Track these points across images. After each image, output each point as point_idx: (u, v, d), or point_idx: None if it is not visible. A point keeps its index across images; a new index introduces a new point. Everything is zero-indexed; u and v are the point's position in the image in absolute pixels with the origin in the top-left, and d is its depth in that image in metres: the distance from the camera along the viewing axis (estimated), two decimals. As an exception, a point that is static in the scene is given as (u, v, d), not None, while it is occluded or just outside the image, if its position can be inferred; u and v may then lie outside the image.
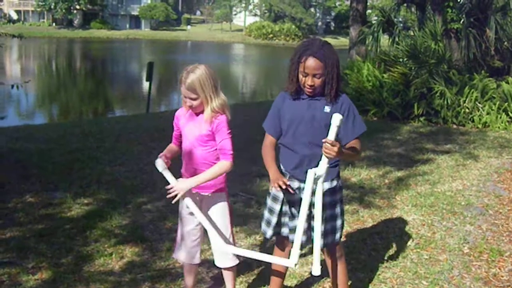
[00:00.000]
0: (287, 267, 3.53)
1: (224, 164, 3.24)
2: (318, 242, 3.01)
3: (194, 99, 3.21)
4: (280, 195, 3.25)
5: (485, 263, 4.45)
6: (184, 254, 3.55)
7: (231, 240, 3.48)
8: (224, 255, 3.47)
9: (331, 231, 3.26)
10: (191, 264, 3.60)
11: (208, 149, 3.29)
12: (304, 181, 3.15)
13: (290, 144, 3.19)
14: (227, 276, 3.60)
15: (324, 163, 2.96)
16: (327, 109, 3.11)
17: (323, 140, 2.89)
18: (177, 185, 3.23)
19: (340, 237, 3.35)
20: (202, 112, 3.27)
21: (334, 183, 3.24)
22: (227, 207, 3.46)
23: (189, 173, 3.34)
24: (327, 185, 3.20)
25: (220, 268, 3.59)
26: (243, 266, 4.26)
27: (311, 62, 3.00)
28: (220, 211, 3.42)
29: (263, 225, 3.41)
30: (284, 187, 3.07)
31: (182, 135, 3.41)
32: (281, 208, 3.28)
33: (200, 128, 3.27)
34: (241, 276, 4.09)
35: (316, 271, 2.98)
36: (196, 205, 3.33)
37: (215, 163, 3.28)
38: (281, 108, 3.21)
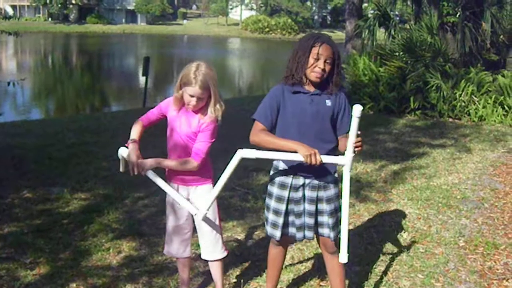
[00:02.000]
0: (283, 260, 3.55)
1: (191, 163, 3.22)
2: (345, 230, 3.04)
3: (202, 99, 3.19)
4: (285, 194, 3.20)
5: (480, 256, 4.48)
6: (174, 248, 3.55)
7: (219, 232, 3.47)
8: (212, 248, 3.46)
9: (336, 224, 3.26)
10: (183, 258, 3.60)
11: None
12: (309, 177, 3.17)
13: (295, 139, 3.07)
14: (215, 268, 3.55)
15: (349, 153, 2.97)
16: (329, 102, 3.14)
17: (352, 141, 2.91)
18: (142, 162, 3.18)
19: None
20: (198, 111, 3.25)
21: (336, 175, 3.26)
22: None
23: None
24: (331, 178, 3.21)
25: (208, 261, 3.57)
26: (239, 259, 4.29)
27: (325, 48, 3.05)
28: None
29: (270, 229, 3.31)
30: (318, 162, 2.93)
31: (170, 127, 3.36)
32: (286, 208, 3.23)
33: (191, 126, 3.26)
34: (236, 270, 4.12)
35: (343, 258, 3.07)
36: (183, 197, 3.34)
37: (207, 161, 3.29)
38: (280, 101, 3.14)
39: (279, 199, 3.24)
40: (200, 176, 3.34)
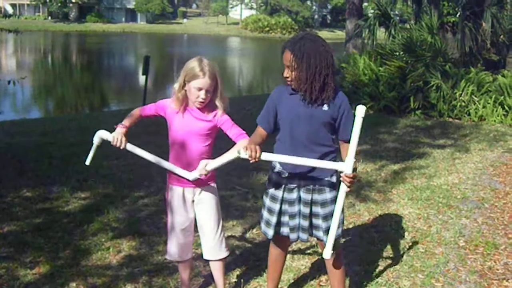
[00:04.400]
0: (284, 261, 3.54)
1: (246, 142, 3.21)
2: (334, 227, 3.00)
3: (210, 92, 3.18)
4: (279, 194, 3.20)
5: (480, 256, 4.48)
6: (177, 251, 3.50)
7: (221, 232, 3.45)
8: (215, 248, 3.44)
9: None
10: (185, 260, 3.58)
11: (206, 144, 3.28)
12: (304, 179, 3.14)
13: (288, 142, 3.11)
14: (217, 268, 3.52)
15: (350, 159, 2.94)
16: (325, 107, 3.05)
17: (354, 143, 2.90)
18: (203, 163, 3.17)
19: (341, 232, 3.31)
20: (204, 107, 3.24)
21: (334, 178, 3.20)
22: (218, 200, 3.45)
23: (182, 164, 3.29)
24: (327, 182, 3.17)
25: (209, 261, 3.54)
26: (239, 259, 4.29)
27: (284, 55, 3.02)
28: (213, 205, 3.40)
29: (263, 226, 3.33)
30: (257, 155, 2.89)
31: (172, 127, 3.33)
32: (280, 207, 3.22)
33: (200, 123, 3.25)
34: (236, 269, 4.11)
35: (327, 254, 3.06)
36: (188, 201, 3.39)
37: (211, 158, 3.27)
38: (277, 103, 3.15)
39: (273, 198, 3.24)
40: (205, 177, 3.31)
